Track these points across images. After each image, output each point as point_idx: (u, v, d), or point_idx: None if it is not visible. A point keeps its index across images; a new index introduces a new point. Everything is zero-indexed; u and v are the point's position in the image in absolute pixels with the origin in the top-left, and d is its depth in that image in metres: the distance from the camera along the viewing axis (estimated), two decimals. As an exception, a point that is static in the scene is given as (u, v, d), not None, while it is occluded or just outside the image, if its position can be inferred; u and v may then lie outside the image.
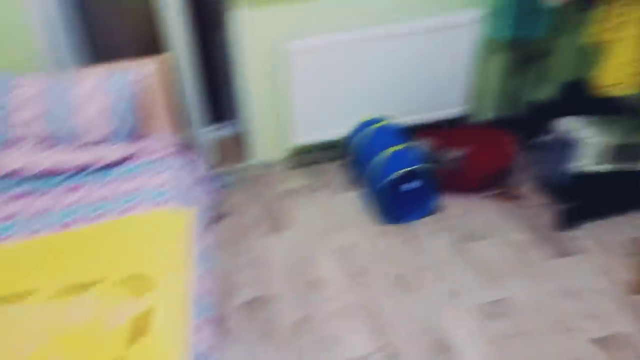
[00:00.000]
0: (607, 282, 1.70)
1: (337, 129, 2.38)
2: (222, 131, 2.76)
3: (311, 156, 2.53)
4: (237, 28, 2.12)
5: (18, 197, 1.57)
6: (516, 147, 2.32)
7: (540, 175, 2.24)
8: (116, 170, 1.71)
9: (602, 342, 1.49)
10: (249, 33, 2.15)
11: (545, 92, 2.57)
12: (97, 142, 1.79)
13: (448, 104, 2.46)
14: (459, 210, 2.12)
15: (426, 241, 1.96)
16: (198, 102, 2.29)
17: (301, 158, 2.53)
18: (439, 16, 2.25)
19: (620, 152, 1.85)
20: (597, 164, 1.87)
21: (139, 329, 1.08)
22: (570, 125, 1.94)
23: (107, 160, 1.71)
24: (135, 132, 1.88)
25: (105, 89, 1.79)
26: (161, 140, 1.88)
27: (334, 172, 2.46)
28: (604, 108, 2.04)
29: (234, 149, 2.62)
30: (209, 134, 2.62)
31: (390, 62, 2.27)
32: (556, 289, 1.69)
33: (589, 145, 1.85)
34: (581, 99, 2.16)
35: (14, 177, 1.63)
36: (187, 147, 2.02)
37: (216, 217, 2.12)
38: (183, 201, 1.58)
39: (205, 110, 2.56)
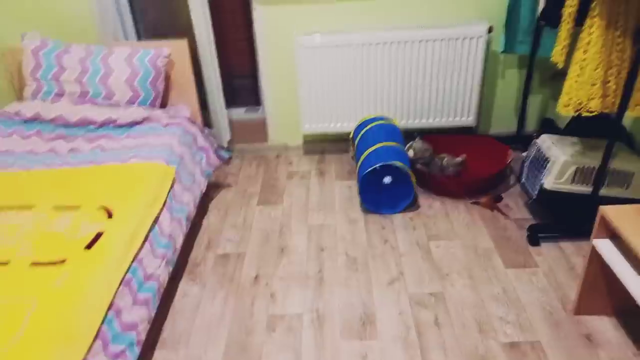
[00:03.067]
0: (548, 298, 1.74)
1: (344, 123, 2.60)
2: (248, 114, 3.10)
3: (322, 145, 2.77)
4: (257, 22, 2.43)
5: (54, 138, 2.03)
6: (509, 160, 2.37)
7: (521, 189, 2.28)
8: (133, 129, 2.11)
9: (512, 347, 1.57)
10: (267, 27, 2.46)
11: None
12: (121, 104, 2.22)
13: (455, 114, 2.56)
14: (437, 211, 2.23)
15: (393, 233, 2.11)
16: (217, 85, 2.62)
17: (312, 146, 2.78)
18: (452, 26, 2.36)
19: (586, 174, 1.86)
20: (562, 183, 1.89)
21: (93, 242, 1.43)
22: (547, 143, 1.97)
23: (126, 120, 2.11)
24: (154, 100, 2.30)
25: (133, 62, 2.21)
26: (173, 111, 2.26)
27: (338, 162, 2.68)
28: (602, 130, 2.04)
29: (255, 130, 2.93)
30: (230, 113, 2.97)
31: (397, 66, 2.43)
32: (495, 294, 1.77)
33: (558, 163, 1.88)
34: (583, 121, 2.17)
35: (54, 122, 2.10)
36: (197, 120, 2.36)
37: (214, 183, 2.45)
38: (171, 161, 1.92)
39: (230, 92, 2.90)
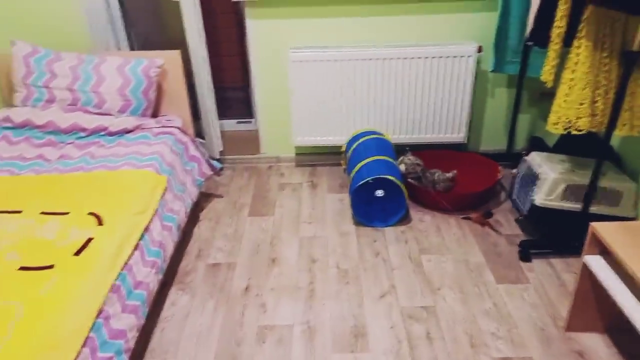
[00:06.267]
0: (539, 314, 1.75)
1: (336, 137, 2.61)
2: (240, 125, 3.10)
3: (314, 157, 2.78)
4: (250, 36, 2.44)
5: (43, 144, 2.01)
6: (499, 176, 2.40)
7: (513, 205, 2.30)
8: (124, 137, 2.09)
9: (505, 361, 1.56)
10: (259, 40, 2.47)
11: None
12: (112, 112, 2.20)
13: (446, 130, 2.59)
14: (428, 225, 2.24)
15: (385, 246, 2.11)
16: (209, 96, 2.62)
17: (305, 158, 2.78)
18: (442, 45, 2.41)
19: (575, 191, 1.89)
20: (552, 200, 1.92)
21: (82, 248, 1.40)
22: (537, 161, 2.00)
23: (117, 128, 2.09)
24: (146, 110, 2.28)
25: (125, 71, 2.20)
26: (165, 120, 2.24)
27: (330, 174, 2.68)
28: (591, 149, 2.08)
29: (247, 142, 2.93)
30: (222, 125, 2.98)
31: (388, 82, 2.46)
32: (487, 309, 1.77)
33: (548, 181, 1.91)
34: (572, 139, 2.21)
35: (44, 129, 2.07)
36: (189, 131, 2.36)
37: (206, 193, 2.43)
38: (162, 169, 1.91)
39: (223, 104, 2.91)
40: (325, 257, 2.06)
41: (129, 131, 2.14)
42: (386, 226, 2.24)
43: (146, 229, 1.64)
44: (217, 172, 2.43)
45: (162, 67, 2.33)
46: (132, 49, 2.67)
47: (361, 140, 2.45)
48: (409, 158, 2.44)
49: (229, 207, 2.41)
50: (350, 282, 1.92)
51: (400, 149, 2.56)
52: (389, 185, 2.19)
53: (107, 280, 1.35)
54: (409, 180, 2.38)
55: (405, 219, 2.29)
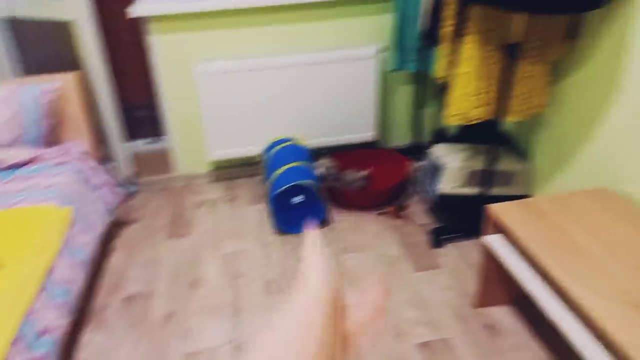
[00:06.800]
0: (453, 295, 1.85)
1: (252, 147, 2.60)
2: (151, 145, 3.00)
3: (231, 171, 2.75)
4: (154, 52, 2.37)
5: None
6: (410, 170, 2.51)
7: (421, 197, 2.42)
8: (20, 170, 1.95)
9: (425, 346, 1.64)
10: (165, 56, 2.40)
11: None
12: (6, 145, 2.03)
13: (356, 130, 2.66)
14: (347, 225, 2.30)
15: (308, 251, 2.13)
16: (113, 117, 2.51)
17: (221, 172, 2.74)
18: (345, 48, 2.48)
19: (476, 177, 2.03)
20: (456, 187, 2.05)
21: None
22: (440, 152, 2.12)
23: (10, 162, 1.94)
24: (43, 138, 2.14)
25: (16, 99, 2.05)
26: (65, 148, 2.12)
27: (248, 186, 2.66)
28: (484, 137, 2.24)
29: (160, 161, 2.83)
30: (132, 146, 2.86)
31: (298, 88, 2.49)
32: (406, 298, 1.85)
33: (451, 169, 2.03)
34: (470, 129, 2.36)
35: None
36: (94, 156, 2.24)
37: (119, 220, 2.32)
38: (65, 201, 1.79)
39: (131, 124, 2.81)
40: (249, 270, 2.04)
41: (25, 163, 1.99)
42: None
43: (50, 269, 1.53)
44: (130, 196, 2.33)
45: (58, 91, 2.19)
46: (27, 74, 2.49)
47: (277, 148, 2.46)
48: (325, 161, 2.48)
49: (144, 233, 2.32)
50: (275, 292, 1.92)
51: (316, 153, 2.60)
52: (307, 191, 2.22)
53: (6, 333, 1.24)
54: (327, 183, 2.43)
55: (325, 222, 2.33)
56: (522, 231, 1.48)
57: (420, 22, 2.40)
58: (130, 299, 1.91)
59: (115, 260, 2.14)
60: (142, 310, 1.86)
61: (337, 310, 0.43)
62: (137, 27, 3.25)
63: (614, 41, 1.61)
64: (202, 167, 2.73)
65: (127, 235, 2.31)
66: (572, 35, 1.79)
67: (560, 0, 1.46)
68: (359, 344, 1.64)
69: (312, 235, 0.47)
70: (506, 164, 2.06)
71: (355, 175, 2.46)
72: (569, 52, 1.83)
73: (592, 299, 1.20)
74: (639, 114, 1.55)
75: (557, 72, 1.91)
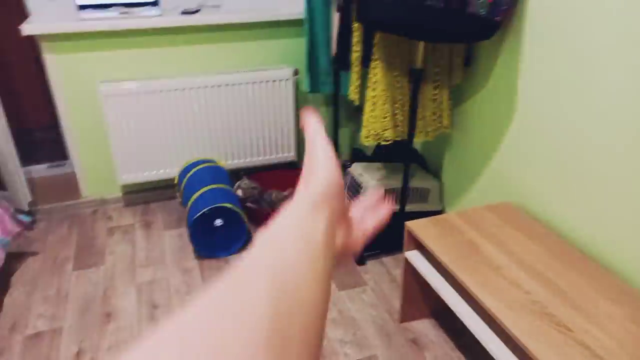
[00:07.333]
0: (377, 312, 1.90)
1: (167, 169, 2.49)
2: (52, 169, 2.78)
3: (145, 195, 2.61)
4: (52, 71, 2.21)
5: None
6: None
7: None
8: None
9: (354, 364, 1.66)
10: (67, 76, 2.25)
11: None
12: None
13: (277, 151, 2.67)
14: (271, 247, 2.27)
15: (230, 275, 2.08)
16: (6, 140, 2.29)
17: (135, 196, 2.59)
18: (261, 70, 2.49)
19: (393, 194, 2.12)
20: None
21: None
22: (358, 171, 2.19)
23: None
24: None
25: None
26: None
27: (165, 210, 2.55)
28: (402, 156, 2.35)
29: (63, 187, 2.62)
30: (29, 171, 2.63)
31: (215, 109, 2.45)
32: (334, 317, 1.86)
33: (368, 188, 2.10)
34: (386, 148, 2.46)
35: None
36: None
37: (17, 252, 2.11)
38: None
39: (29, 148, 2.58)
40: (167, 300, 1.94)
41: None
42: (230, 254, 2.21)
43: None
44: (28, 226, 2.12)
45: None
46: None
47: (194, 170, 2.38)
48: (245, 182, 2.45)
49: (47, 265, 2.12)
50: (197, 320, 1.83)
51: (235, 175, 2.56)
52: (227, 213, 2.17)
53: None
54: (248, 204, 2.39)
55: (248, 244, 2.29)
56: (436, 246, 1.56)
57: (332, 47, 2.49)
58: (34, 338, 1.72)
59: (15, 297, 1.93)
60: (48, 349, 1.68)
61: (340, 210, 0.38)
62: (32, 45, 3.01)
63: (505, 67, 1.78)
64: (113, 191, 2.56)
65: (27, 269, 2.09)
66: (468, 62, 1.95)
67: (453, 31, 1.59)
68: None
69: (313, 120, 0.40)
70: (420, 181, 2.18)
71: (279, 195, 2.46)
72: (468, 77, 1.99)
73: (503, 310, 1.29)
74: (531, 132, 1.72)
75: (459, 95, 2.07)
